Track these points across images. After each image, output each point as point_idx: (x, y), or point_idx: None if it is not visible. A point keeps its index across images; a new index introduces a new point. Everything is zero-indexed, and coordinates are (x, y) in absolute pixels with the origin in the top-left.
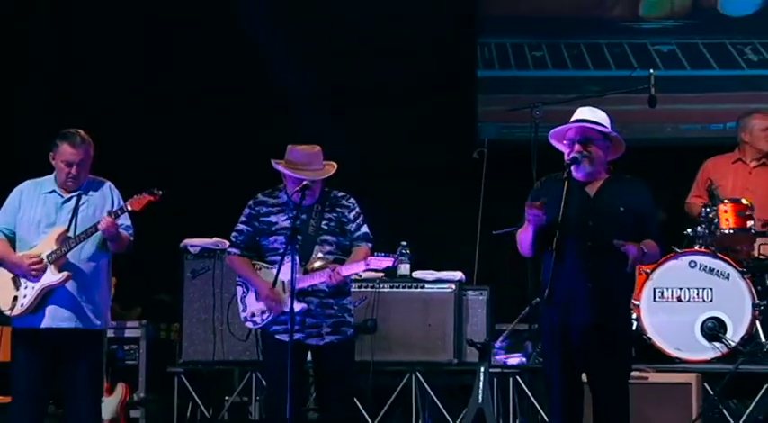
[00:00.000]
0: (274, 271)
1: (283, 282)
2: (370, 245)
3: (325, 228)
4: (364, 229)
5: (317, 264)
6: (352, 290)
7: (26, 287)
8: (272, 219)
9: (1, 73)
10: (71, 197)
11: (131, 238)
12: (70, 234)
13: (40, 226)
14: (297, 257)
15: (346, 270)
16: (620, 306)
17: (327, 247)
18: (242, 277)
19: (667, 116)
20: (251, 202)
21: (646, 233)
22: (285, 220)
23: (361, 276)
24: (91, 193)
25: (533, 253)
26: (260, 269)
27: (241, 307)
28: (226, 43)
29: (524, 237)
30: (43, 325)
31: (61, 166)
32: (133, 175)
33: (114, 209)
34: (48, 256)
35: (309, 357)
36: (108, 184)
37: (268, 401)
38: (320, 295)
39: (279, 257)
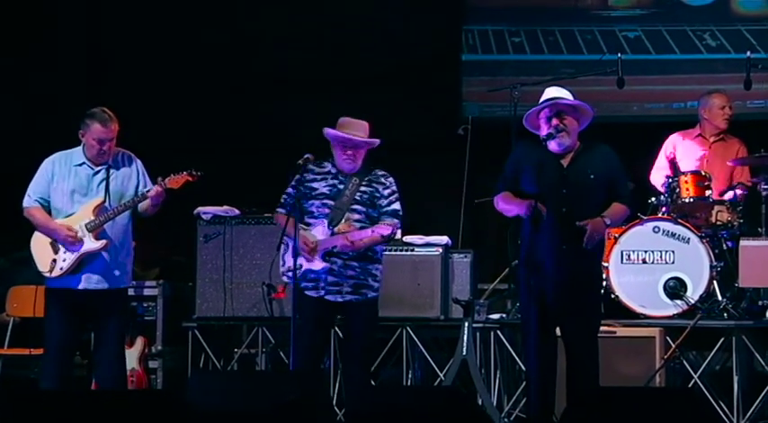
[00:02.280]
0: (310, 231)
1: (316, 241)
2: (396, 221)
3: (358, 199)
4: (395, 206)
5: (342, 228)
6: None
7: (65, 251)
8: (315, 185)
9: (29, 40)
10: (100, 170)
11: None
12: (106, 205)
13: (74, 196)
14: (326, 221)
15: (356, 235)
16: (591, 266)
17: (356, 216)
18: (285, 234)
19: (634, 96)
20: (300, 170)
21: (616, 194)
22: (325, 186)
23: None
24: (118, 165)
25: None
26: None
27: (281, 262)
28: (234, 29)
29: (508, 210)
30: (80, 287)
31: (92, 143)
32: (151, 149)
33: (140, 181)
34: (86, 225)
35: None
36: (132, 156)
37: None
38: (344, 257)
39: (313, 220)
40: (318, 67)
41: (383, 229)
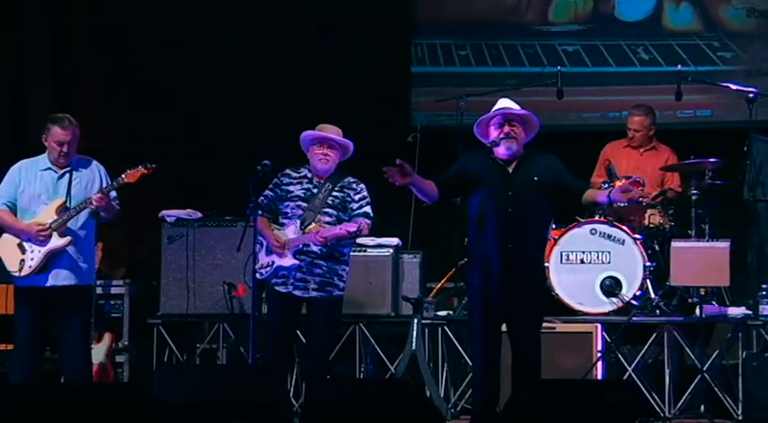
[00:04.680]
0: (282, 230)
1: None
2: (368, 221)
3: (330, 203)
4: (366, 209)
5: (312, 229)
6: None
7: (32, 251)
8: (291, 188)
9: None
10: (64, 173)
11: (118, 208)
12: (67, 205)
13: (41, 199)
14: (298, 221)
15: (327, 232)
16: (535, 265)
17: (327, 219)
18: (260, 234)
19: (572, 106)
20: (279, 174)
21: (570, 187)
22: (300, 190)
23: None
24: (81, 169)
25: (433, 200)
26: (273, 230)
27: (256, 260)
28: (197, 39)
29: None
30: (48, 284)
31: (53, 146)
32: (118, 158)
33: (104, 185)
34: (51, 224)
35: None
36: (94, 162)
37: (262, 341)
38: (311, 256)
39: (287, 220)
40: (277, 76)
41: (349, 225)
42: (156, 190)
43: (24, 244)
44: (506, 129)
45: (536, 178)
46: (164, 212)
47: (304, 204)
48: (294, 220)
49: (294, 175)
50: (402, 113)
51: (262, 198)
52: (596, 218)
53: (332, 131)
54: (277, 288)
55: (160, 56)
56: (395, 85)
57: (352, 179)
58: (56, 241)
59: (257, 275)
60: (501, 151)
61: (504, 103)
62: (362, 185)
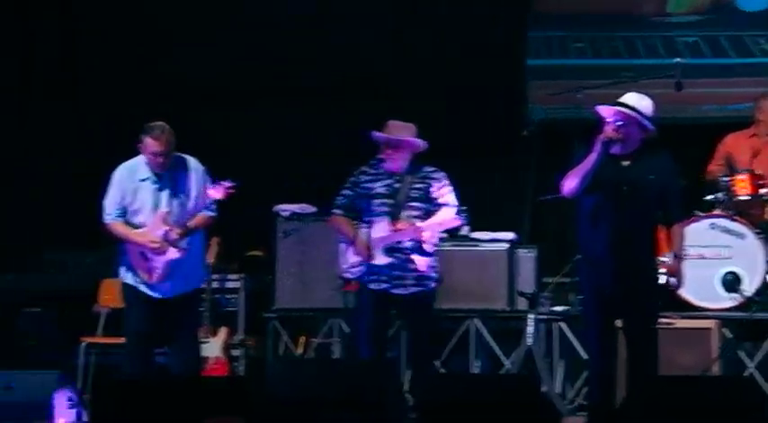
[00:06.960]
0: (370, 229)
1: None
2: (454, 208)
3: (414, 195)
4: (449, 197)
5: (403, 224)
6: None
7: (153, 260)
8: (371, 185)
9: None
10: (163, 182)
11: (212, 215)
12: (172, 215)
13: (145, 211)
14: (387, 218)
15: (425, 224)
16: (648, 260)
17: (414, 212)
18: (341, 234)
19: (690, 98)
20: (355, 172)
21: (668, 198)
22: (381, 186)
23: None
24: (179, 174)
25: (578, 190)
26: (358, 228)
27: (343, 260)
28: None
29: (581, 169)
30: (166, 295)
31: (149, 157)
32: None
33: (202, 183)
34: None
35: None
36: (191, 161)
37: (353, 338)
38: (406, 252)
39: (373, 218)
40: (391, 72)
41: (454, 221)
42: (272, 186)
43: (145, 252)
44: (612, 128)
45: (651, 177)
46: (278, 207)
47: (389, 201)
48: (382, 217)
49: (372, 171)
50: (519, 107)
51: (339, 197)
52: (715, 212)
53: (400, 129)
54: (370, 286)
55: (163, 56)
56: (511, 78)
57: (430, 168)
58: (172, 253)
59: (347, 275)
60: (610, 148)
61: (629, 98)
62: (443, 173)
